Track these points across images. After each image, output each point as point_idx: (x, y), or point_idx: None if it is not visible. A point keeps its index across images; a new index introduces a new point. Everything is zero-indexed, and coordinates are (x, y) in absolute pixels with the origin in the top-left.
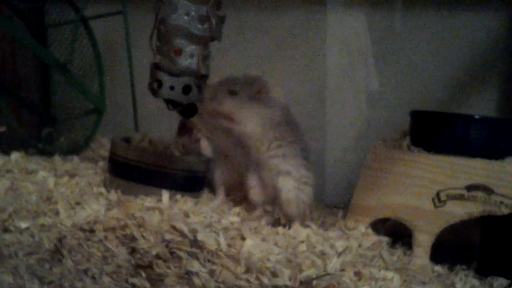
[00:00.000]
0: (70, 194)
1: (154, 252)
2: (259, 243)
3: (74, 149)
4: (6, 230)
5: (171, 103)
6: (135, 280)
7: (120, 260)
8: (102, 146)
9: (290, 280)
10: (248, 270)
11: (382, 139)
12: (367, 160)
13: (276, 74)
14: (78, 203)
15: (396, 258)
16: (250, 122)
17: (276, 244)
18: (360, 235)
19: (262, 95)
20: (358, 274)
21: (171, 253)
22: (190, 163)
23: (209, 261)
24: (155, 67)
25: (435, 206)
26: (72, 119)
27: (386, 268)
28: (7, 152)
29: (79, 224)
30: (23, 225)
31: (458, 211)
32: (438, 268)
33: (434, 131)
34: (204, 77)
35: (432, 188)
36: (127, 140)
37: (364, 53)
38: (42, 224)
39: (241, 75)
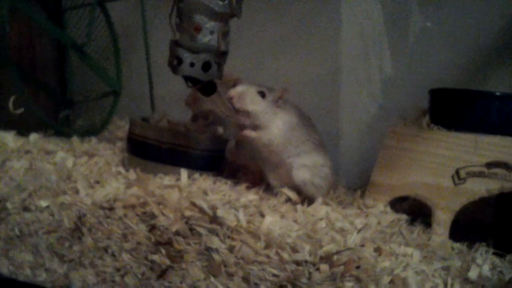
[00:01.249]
0: (89, 173)
1: (174, 229)
2: (278, 220)
3: (91, 131)
4: (26, 209)
5: (191, 81)
6: (155, 257)
7: (139, 237)
8: (119, 127)
9: (310, 255)
10: (268, 246)
11: (400, 117)
12: (386, 138)
13: (291, 59)
14: (97, 182)
15: (416, 235)
16: (276, 127)
17: (295, 221)
18: (378, 213)
19: (283, 100)
20: (378, 250)
21: (191, 229)
22: (208, 142)
23: (228, 237)
24: (175, 44)
25: (455, 184)
26: (89, 101)
27: (406, 244)
28: (25, 134)
29: (99, 202)
30: (43, 204)
31: (478, 188)
32: (457, 245)
33: (454, 109)
34: (224, 54)
35: (452, 166)
36: (146, 120)
37: (379, 36)
38: (62, 203)
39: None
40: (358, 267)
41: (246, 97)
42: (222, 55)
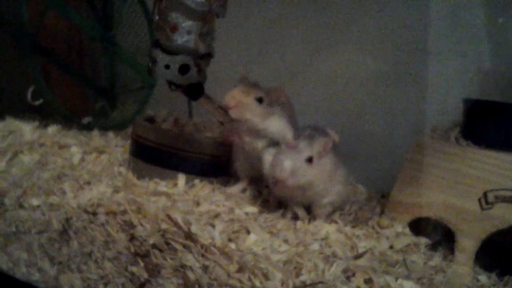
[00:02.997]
0: (86, 172)
1: (151, 241)
2: (266, 239)
3: (123, 124)
4: (21, 206)
5: (174, 84)
6: (134, 269)
7: (120, 246)
8: None
9: (282, 284)
10: (240, 269)
11: (432, 128)
12: (410, 151)
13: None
14: (88, 183)
15: (433, 263)
16: (275, 128)
17: (286, 240)
18: (393, 235)
19: (280, 102)
20: (368, 281)
21: (167, 243)
22: (211, 146)
23: (203, 255)
24: (153, 44)
25: (482, 208)
26: (125, 93)
27: (407, 277)
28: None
29: (83, 205)
30: (35, 202)
31: (507, 215)
32: (483, 277)
33: (484, 123)
34: (207, 56)
35: (480, 188)
36: (152, 119)
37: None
38: (51, 203)
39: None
40: None
41: (244, 107)
42: (203, 57)
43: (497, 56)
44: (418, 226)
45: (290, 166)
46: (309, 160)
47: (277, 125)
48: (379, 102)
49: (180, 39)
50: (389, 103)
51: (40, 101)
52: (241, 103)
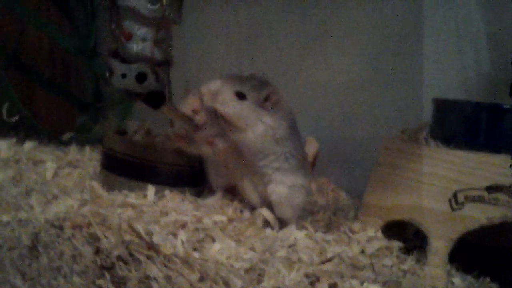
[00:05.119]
0: (56, 187)
1: (116, 253)
2: (231, 247)
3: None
4: None
5: (132, 93)
6: (101, 282)
7: (87, 260)
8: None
9: None
10: (202, 279)
11: (402, 129)
12: (379, 154)
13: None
14: (56, 197)
15: (392, 268)
16: (253, 132)
17: (252, 248)
18: (365, 240)
19: (271, 103)
20: (333, 286)
21: (131, 255)
22: (180, 156)
23: (165, 266)
24: (109, 54)
25: (452, 209)
26: (108, 107)
27: (374, 281)
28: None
29: (51, 220)
30: (5, 218)
31: (478, 215)
32: (457, 280)
33: (452, 122)
34: (165, 63)
35: (450, 189)
36: (124, 132)
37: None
38: (20, 219)
39: (247, 75)
40: None
41: (219, 96)
42: (161, 65)
43: (489, 58)
44: (392, 230)
45: (214, 87)
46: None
47: (262, 133)
48: (364, 107)
49: (136, 47)
50: (374, 107)
51: (16, 117)
52: (217, 93)
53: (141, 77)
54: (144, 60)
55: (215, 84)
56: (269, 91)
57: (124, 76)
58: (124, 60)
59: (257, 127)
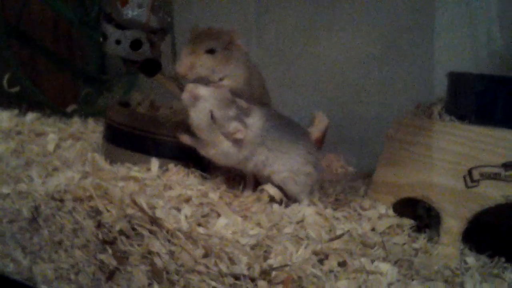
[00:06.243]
0: (57, 159)
1: (118, 227)
2: (236, 222)
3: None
4: None
5: (128, 60)
6: (102, 257)
7: (88, 234)
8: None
9: (249, 269)
10: (206, 254)
11: (416, 104)
12: (390, 130)
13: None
14: (56, 169)
15: (404, 247)
16: (236, 75)
17: (258, 223)
18: (376, 217)
19: (235, 44)
20: (343, 264)
21: (133, 229)
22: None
23: (169, 241)
24: (103, 18)
25: (467, 186)
26: (113, 79)
27: (384, 259)
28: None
29: (51, 192)
30: (5, 191)
31: (493, 193)
32: (470, 259)
33: (468, 97)
34: (161, 31)
35: (465, 165)
36: (127, 104)
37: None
38: (20, 191)
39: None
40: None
41: (197, 66)
42: (156, 32)
43: (501, 34)
44: (404, 207)
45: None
46: (210, 51)
47: (238, 69)
48: (375, 83)
49: (131, 12)
50: (385, 83)
51: (17, 88)
52: (192, 64)
53: (135, 44)
54: (139, 26)
55: (185, 57)
56: (229, 34)
57: (118, 42)
58: (119, 26)
59: (220, 147)
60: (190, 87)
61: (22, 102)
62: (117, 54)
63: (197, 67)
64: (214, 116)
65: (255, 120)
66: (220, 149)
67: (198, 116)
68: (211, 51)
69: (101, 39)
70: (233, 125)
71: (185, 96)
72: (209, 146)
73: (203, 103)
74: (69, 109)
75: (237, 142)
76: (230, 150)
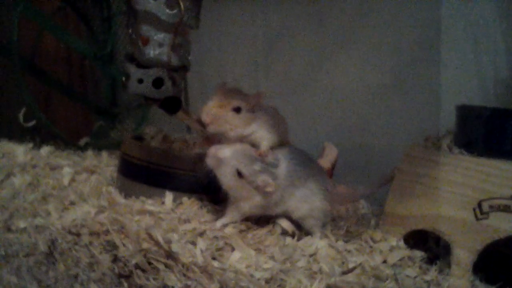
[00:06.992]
0: (73, 192)
1: (134, 261)
2: (250, 255)
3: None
4: (8, 229)
5: (148, 98)
6: None
7: (104, 268)
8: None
9: None
10: None
11: (426, 137)
12: (401, 162)
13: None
14: (73, 203)
15: (416, 279)
16: (260, 133)
17: (272, 257)
18: (387, 249)
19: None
20: None
21: (149, 263)
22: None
23: (184, 275)
24: (125, 58)
25: (477, 218)
26: (125, 112)
27: None
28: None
29: (68, 227)
30: (22, 225)
31: (503, 225)
32: None
33: (476, 129)
34: (182, 69)
35: (474, 198)
36: (140, 138)
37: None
38: (36, 225)
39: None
40: None
41: (221, 120)
42: (177, 70)
43: (507, 65)
44: (414, 239)
45: (214, 112)
46: (237, 109)
47: (261, 130)
48: (382, 114)
49: (153, 52)
50: (392, 114)
51: (33, 122)
52: (218, 117)
53: (157, 82)
54: (161, 65)
55: (212, 108)
56: (257, 96)
57: (140, 81)
58: (141, 65)
59: (254, 202)
60: (212, 151)
61: (36, 136)
62: (140, 93)
63: (221, 121)
64: (242, 173)
65: (282, 168)
66: (254, 204)
67: (226, 176)
68: (237, 110)
69: (123, 79)
70: (261, 179)
71: (209, 161)
72: (244, 201)
73: (227, 164)
74: (82, 142)
75: (269, 193)
76: (263, 202)
